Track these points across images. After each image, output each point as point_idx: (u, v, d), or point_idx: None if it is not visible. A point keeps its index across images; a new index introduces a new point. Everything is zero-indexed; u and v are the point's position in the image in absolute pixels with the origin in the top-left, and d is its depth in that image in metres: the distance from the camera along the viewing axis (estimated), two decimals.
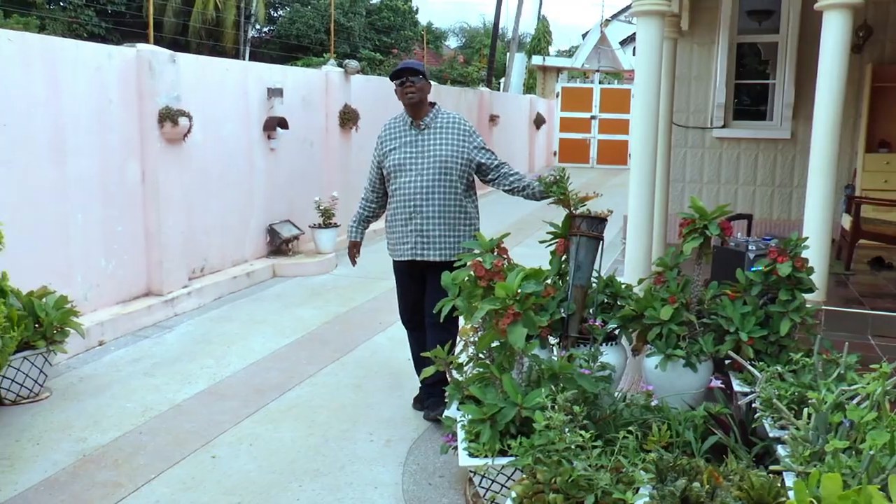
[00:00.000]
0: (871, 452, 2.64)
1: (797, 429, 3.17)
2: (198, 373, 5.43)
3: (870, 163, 7.93)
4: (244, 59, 24.28)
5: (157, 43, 7.25)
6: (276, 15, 32.37)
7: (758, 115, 8.76)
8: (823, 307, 5.02)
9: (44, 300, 5.04)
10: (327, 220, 9.00)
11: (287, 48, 28.58)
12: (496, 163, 4.52)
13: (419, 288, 4.61)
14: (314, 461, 4.12)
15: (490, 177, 4.54)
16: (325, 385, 5.22)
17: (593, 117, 23.96)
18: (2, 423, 4.55)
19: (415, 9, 34.31)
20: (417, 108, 4.44)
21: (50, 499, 3.71)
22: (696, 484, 2.93)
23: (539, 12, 30.34)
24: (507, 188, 4.54)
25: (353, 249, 4.84)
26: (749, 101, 9.05)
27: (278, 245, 8.76)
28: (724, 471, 3.09)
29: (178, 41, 24.23)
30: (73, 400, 4.93)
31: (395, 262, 4.66)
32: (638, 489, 2.97)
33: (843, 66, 4.75)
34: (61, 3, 24.91)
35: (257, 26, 30.73)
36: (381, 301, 7.30)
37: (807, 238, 4.16)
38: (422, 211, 4.39)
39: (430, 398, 4.61)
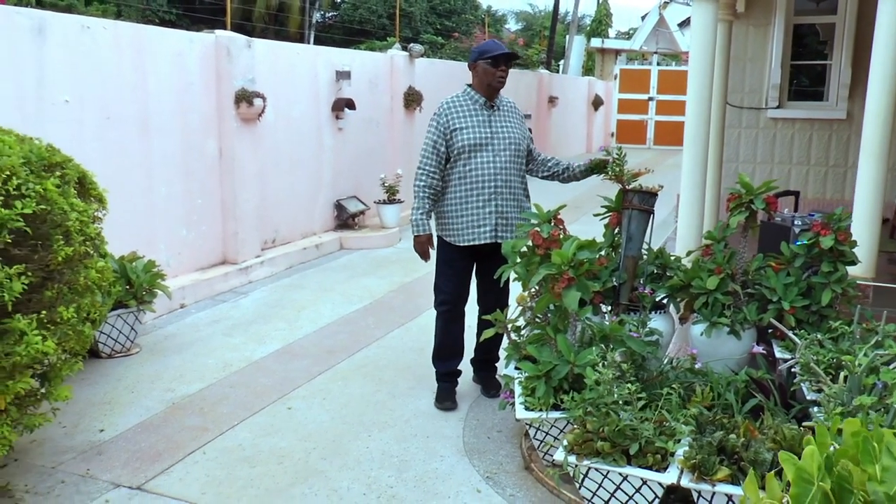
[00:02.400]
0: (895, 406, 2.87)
1: (833, 392, 3.40)
2: (272, 334, 5.85)
3: None
4: (309, 44, 24.80)
5: (223, 28, 7.66)
6: (339, 0, 32.85)
7: (813, 95, 8.81)
8: (871, 283, 5.17)
9: (134, 264, 5.50)
10: (392, 196, 9.37)
11: (350, 33, 29.04)
12: (536, 154, 4.67)
13: (470, 276, 4.61)
14: (382, 414, 4.48)
15: (530, 166, 4.66)
16: (391, 348, 5.59)
17: (650, 99, 23.92)
18: (100, 373, 5.02)
19: None
20: (497, 92, 4.47)
21: (147, 438, 4.15)
22: (733, 436, 3.19)
23: None
24: (545, 174, 4.67)
25: (428, 244, 4.51)
26: (806, 83, 9.10)
27: (345, 219, 9.18)
28: (761, 426, 3.34)
29: (245, 26, 24.83)
30: (160, 355, 5.39)
31: (452, 247, 4.49)
32: (679, 440, 3.24)
33: None
34: None
35: (322, 11, 31.23)
36: None
37: (849, 213, 4.34)
38: (502, 192, 4.38)
39: (481, 372, 4.84)
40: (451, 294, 4.57)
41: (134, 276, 5.39)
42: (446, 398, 4.61)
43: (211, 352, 5.47)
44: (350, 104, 8.97)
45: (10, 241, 3.03)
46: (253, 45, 7.39)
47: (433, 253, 4.58)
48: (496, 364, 4.83)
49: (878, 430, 2.31)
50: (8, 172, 3.04)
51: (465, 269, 4.56)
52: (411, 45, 10.75)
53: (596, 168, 4.53)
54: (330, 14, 32.74)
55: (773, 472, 2.21)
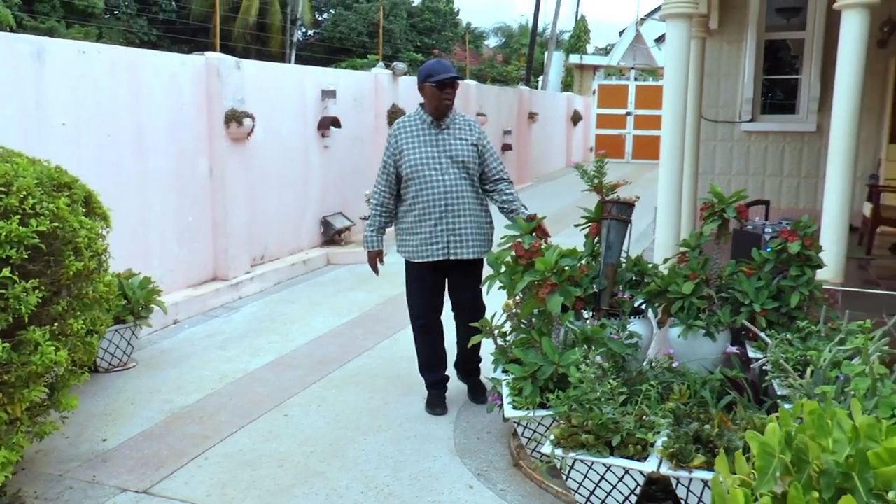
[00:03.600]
0: (853, 394, 3.10)
1: (800, 385, 3.63)
2: (265, 347, 6.03)
3: (894, 153, 8.25)
4: (290, 62, 25.03)
5: (204, 48, 7.87)
6: (320, 18, 33.14)
7: (785, 108, 9.12)
8: (840, 287, 5.41)
9: (130, 280, 5.67)
10: None
11: (331, 51, 29.34)
12: (497, 176, 4.64)
13: (439, 290, 4.72)
14: (376, 419, 4.67)
15: (487, 187, 4.65)
16: (382, 358, 5.78)
17: (629, 113, 24.38)
18: (99, 385, 5.17)
19: (456, 10, 34.86)
20: (445, 112, 4.52)
21: (150, 446, 4.31)
22: (707, 426, 3.42)
23: (577, 11, 30.70)
24: (497, 205, 4.68)
25: (378, 258, 4.84)
26: (781, 96, 9.41)
27: (331, 235, 9.38)
28: (733, 418, 3.56)
29: (226, 46, 25.04)
30: (156, 369, 5.54)
31: (414, 264, 4.64)
32: (658, 432, 3.46)
33: (860, 62, 5.01)
34: (115, 14, 25.91)
35: (303, 29, 31.51)
36: None
37: (815, 220, 4.59)
38: (453, 209, 4.46)
39: (467, 379, 4.99)
40: (421, 308, 4.76)
41: (131, 292, 5.55)
42: (437, 404, 4.79)
43: (206, 364, 5.64)
44: (336, 122, 9.19)
45: (26, 256, 3.21)
46: (242, 65, 7.60)
47: (381, 267, 4.91)
48: (479, 367, 4.98)
49: (831, 409, 2.54)
50: (24, 192, 3.23)
51: (432, 284, 4.70)
52: (394, 63, 10.99)
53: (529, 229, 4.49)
54: (311, 32, 33.03)
55: (740, 451, 2.43)
